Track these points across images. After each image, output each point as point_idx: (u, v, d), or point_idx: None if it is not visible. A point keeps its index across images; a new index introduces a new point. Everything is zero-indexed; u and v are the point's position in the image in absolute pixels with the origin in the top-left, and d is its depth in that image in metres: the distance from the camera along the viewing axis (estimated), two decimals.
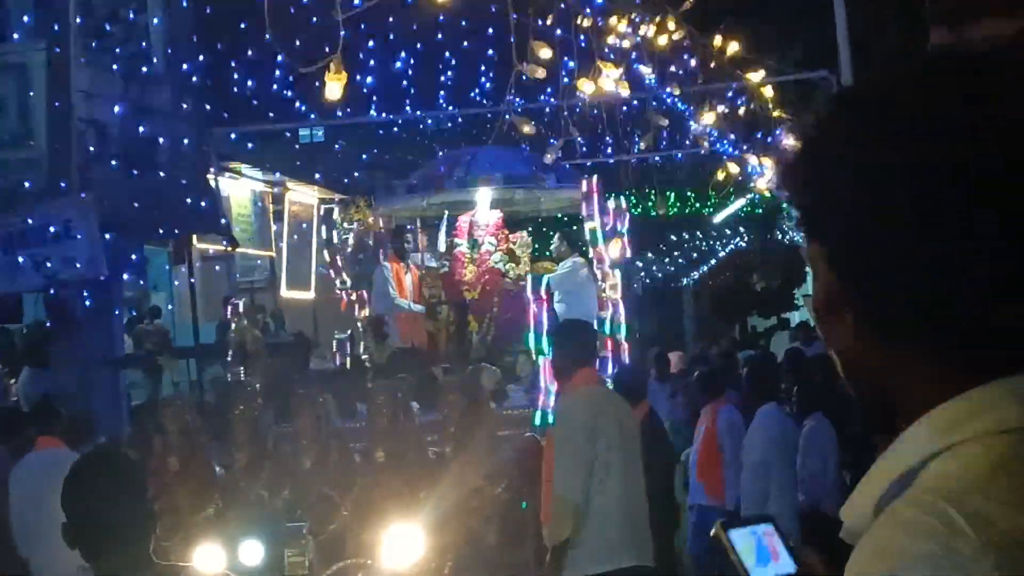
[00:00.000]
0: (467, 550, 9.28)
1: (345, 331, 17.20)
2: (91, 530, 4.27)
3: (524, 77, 8.42)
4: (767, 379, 11.78)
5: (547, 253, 17.42)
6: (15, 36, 17.04)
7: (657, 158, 20.84)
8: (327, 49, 7.96)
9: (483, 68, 20.22)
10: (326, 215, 16.63)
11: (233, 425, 10.60)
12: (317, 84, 8.23)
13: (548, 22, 10.18)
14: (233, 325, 15.63)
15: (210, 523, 9.70)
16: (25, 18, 17.00)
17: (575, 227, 16.49)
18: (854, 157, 1.75)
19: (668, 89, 11.83)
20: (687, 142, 19.52)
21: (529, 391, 14.00)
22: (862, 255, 1.75)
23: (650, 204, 27.71)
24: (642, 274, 35.70)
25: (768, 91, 16.23)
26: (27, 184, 15.89)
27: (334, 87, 7.45)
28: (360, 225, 17.69)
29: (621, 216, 15.19)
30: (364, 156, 23.51)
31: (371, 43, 18.97)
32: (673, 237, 33.89)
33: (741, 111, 16.67)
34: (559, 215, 19.04)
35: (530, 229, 18.40)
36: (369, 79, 20.08)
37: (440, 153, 19.64)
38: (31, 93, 16.01)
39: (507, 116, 9.95)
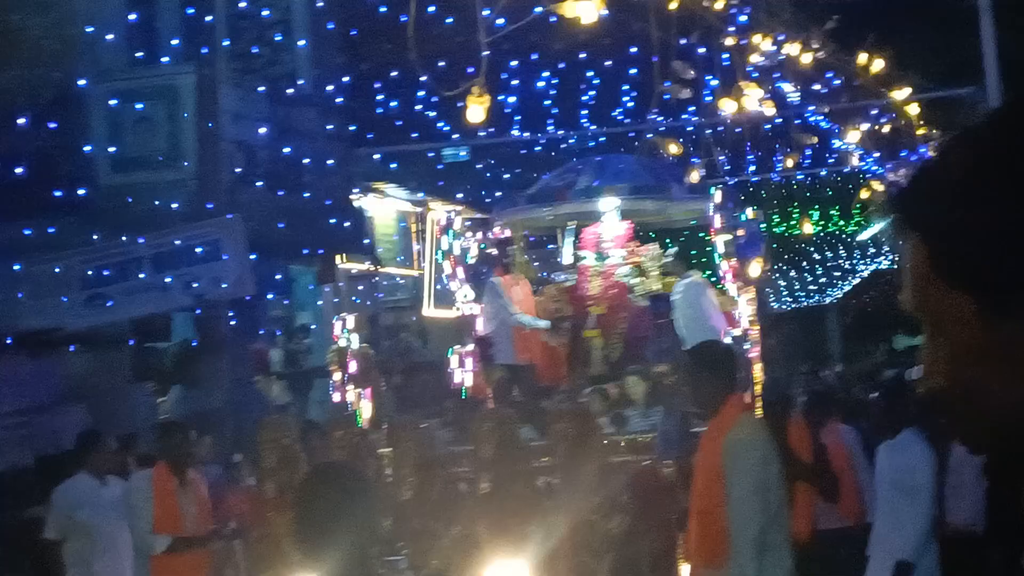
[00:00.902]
0: None
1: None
2: (318, 539, 4.36)
3: (666, 97, 8.43)
4: (902, 403, 11.36)
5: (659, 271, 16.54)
6: (165, 59, 17.42)
7: (800, 175, 20.68)
8: (470, 70, 8.04)
9: (625, 87, 20.22)
10: (447, 225, 16.28)
11: (261, 451, 10.22)
12: (460, 104, 8.31)
13: (691, 40, 10.13)
14: (336, 344, 15.40)
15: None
16: (174, 41, 17.36)
17: (705, 236, 15.88)
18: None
19: (812, 108, 11.72)
20: (830, 160, 19.32)
21: (647, 415, 13.68)
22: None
23: (792, 222, 27.52)
24: (784, 292, 35.36)
25: (913, 108, 16.01)
26: (176, 205, 16.19)
27: (477, 110, 7.51)
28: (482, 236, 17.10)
29: (757, 231, 14.76)
30: (507, 175, 23.60)
31: (514, 62, 19.03)
32: (816, 255, 33.56)
33: (886, 128, 16.47)
34: (689, 225, 17.88)
35: (667, 241, 17.74)
36: (512, 98, 20.23)
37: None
38: (181, 115, 16.31)
39: (648, 135, 9.96)
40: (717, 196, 14.23)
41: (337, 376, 14.80)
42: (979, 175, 1.75)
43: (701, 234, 15.42)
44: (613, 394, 13.82)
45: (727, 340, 13.86)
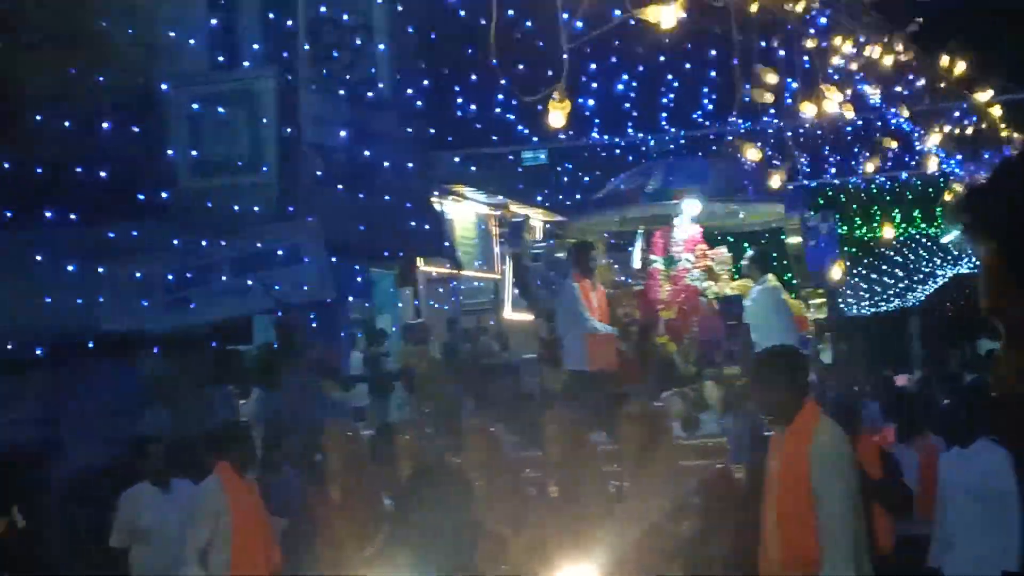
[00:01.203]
0: None
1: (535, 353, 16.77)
2: (420, 537, 4.25)
3: (746, 99, 8.39)
4: (977, 409, 10.91)
5: (734, 275, 16.29)
6: (245, 64, 17.55)
7: (881, 179, 20.51)
8: (551, 74, 8.03)
9: (706, 89, 20.14)
10: (513, 230, 15.90)
11: (397, 456, 10.05)
12: (540, 108, 8.30)
13: (772, 44, 10.08)
14: (400, 349, 15.15)
15: (375, 559, 9.21)
16: (255, 46, 17.48)
17: (782, 237, 15.59)
18: None
19: (894, 110, 11.61)
20: (912, 163, 19.10)
21: (721, 420, 13.45)
22: None
23: (874, 225, 27.27)
24: (864, 296, 35.06)
25: (996, 110, 15.82)
26: (256, 209, 16.30)
27: (557, 115, 7.49)
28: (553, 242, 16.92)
29: (832, 234, 14.52)
30: (587, 178, 23.58)
31: (593, 66, 19.01)
32: (898, 259, 33.28)
33: (969, 130, 16.28)
34: (765, 228, 17.72)
35: (731, 242, 17.48)
36: (591, 101, 20.21)
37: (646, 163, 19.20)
38: (261, 119, 16.42)
39: (729, 137, 9.89)
40: (787, 199, 14.10)
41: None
42: None
43: (782, 236, 15.14)
44: (690, 397, 13.69)
45: (802, 346, 13.73)
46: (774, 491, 7.64)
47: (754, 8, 9.21)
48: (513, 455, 10.77)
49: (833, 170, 19.46)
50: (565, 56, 7.23)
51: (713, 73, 17.84)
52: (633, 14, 7.93)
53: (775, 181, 9.11)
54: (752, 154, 8.70)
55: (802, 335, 14.17)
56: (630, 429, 9.05)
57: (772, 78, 8.23)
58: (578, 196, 19.76)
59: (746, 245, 17.17)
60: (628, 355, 15.30)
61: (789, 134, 10.89)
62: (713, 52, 16.44)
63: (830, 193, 22.33)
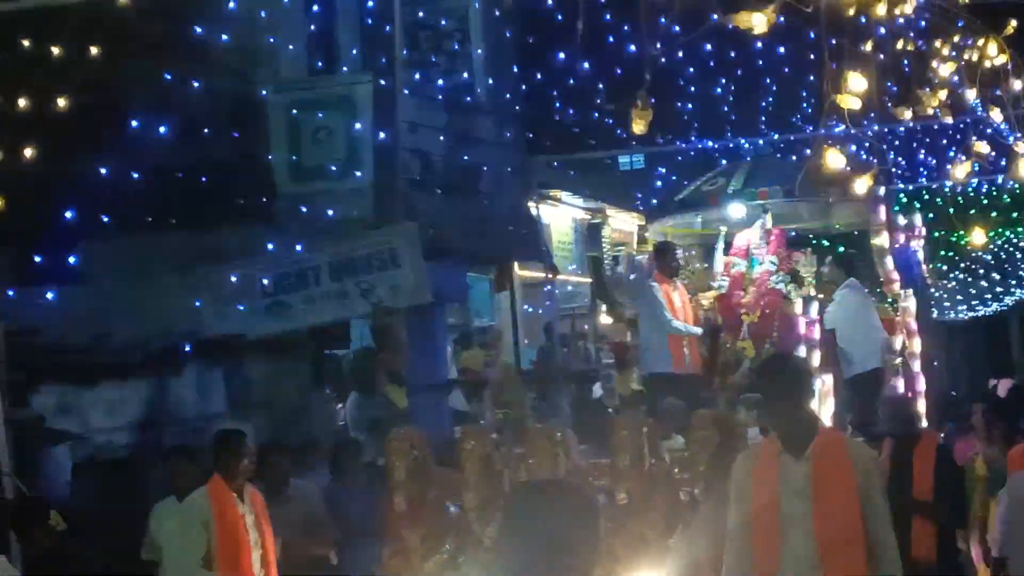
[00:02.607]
0: None
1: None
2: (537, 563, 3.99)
3: (824, 106, 8.47)
4: None
5: (818, 278, 15.92)
6: (343, 68, 17.83)
7: (976, 182, 20.36)
8: (647, 77, 8.17)
9: (803, 92, 20.13)
10: (591, 231, 15.72)
11: (463, 461, 9.65)
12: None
13: (868, 48, 10.14)
14: (459, 352, 15.01)
15: (442, 568, 9.18)
16: (353, 51, 17.78)
17: (867, 242, 15.22)
18: None
19: (989, 115, 11.61)
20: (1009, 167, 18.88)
21: None
22: None
23: (967, 230, 27.02)
24: (960, 300, 34.74)
25: None
26: (355, 213, 16.47)
27: (640, 124, 7.65)
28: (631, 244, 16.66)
29: (919, 234, 14.22)
30: (685, 183, 23.69)
31: (689, 68, 19.10)
32: (995, 261, 32.92)
33: None
34: (848, 233, 17.38)
35: (816, 244, 17.01)
36: (689, 105, 20.32)
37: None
38: (358, 124, 16.61)
39: (814, 148, 9.91)
40: (876, 200, 13.99)
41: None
42: None
43: (867, 237, 14.91)
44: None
45: (887, 351, 13.65)
46: (825, 507, 7.15)
47: (848, 11, 9.30)
48: (582, 462, 10.55)
49: (925, 174, 19.38)
50: (650, 64, 7.39)
51: (811, 76, 17.88)
52: (725, 20, 8.08)
53: (861, 185, 9.14)
54: (834, 160, 8.69)
55: (889, 338, 14.04)
56: (701, 432, 9.11)
57: (860, 84, 8.30)
58: (653, 200, 19.72)
59: (837, 247, 16.93)
60: (710, 359, 15.24)
61: (878, 136, 10.90)
62: (804, 56, 16.50)
63: (926, 197, 22.20)
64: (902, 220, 14.55)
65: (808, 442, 7.21)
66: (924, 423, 13.41)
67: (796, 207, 16.13)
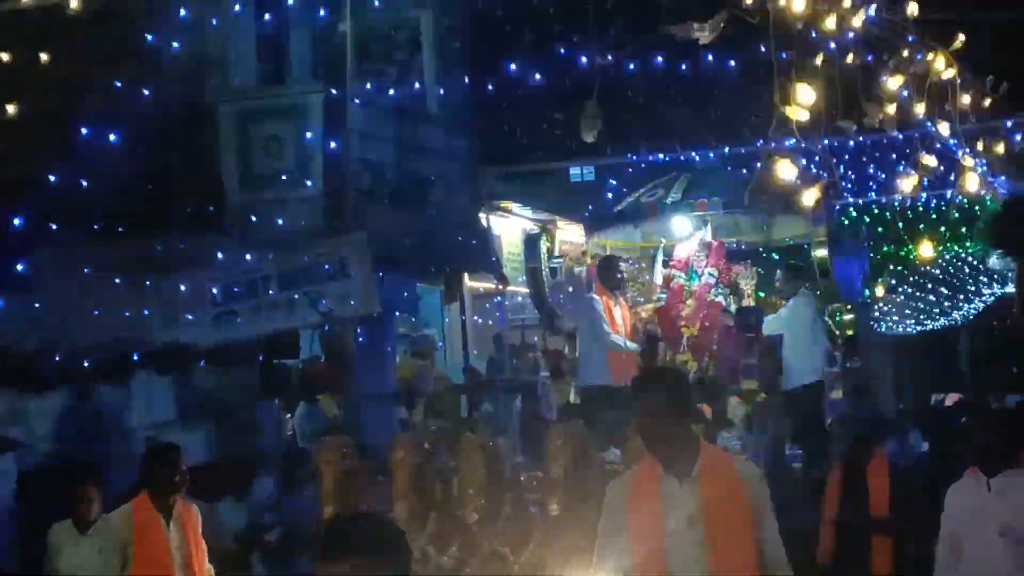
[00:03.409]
0: None
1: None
2: None
3: (781, 116, 8.58)
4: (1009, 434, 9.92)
5: (771, 288, 15.68)
6: (294, 78, 17.82)
7: (925, 196, 20.50)
8: (596, 86, 8.26)
9: (753, 105, 20.16)
10: (529, 242, 15.47)
11: (394, 471, 9.57)
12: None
13: (818, 62, 10.26)
14: (397, 360, 14.87)
15: None
16: (304, 59, 17.77)
17: (808, 253, 15.03)
18: None
19: (935, 127, 11.75)
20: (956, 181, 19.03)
21: (743, 437, 13.08)
22: None
23: (914, 245, 27.21)
24: (909, 312, 34.98)
25: None
26: (304, 223, 16.50)
27: (589, 132, 7.74)
28: (570, 256, 16.41)
29: (861, 246, 14.11)
30: (624, 190, 23.75)
31: (640, 81, 19.17)
32: (944, 276, 33.14)
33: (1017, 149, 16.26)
34: (790, 245, 17.01)
35: (756, 256, 16.87)
36: (639, 117, 20.41)
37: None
38: (308, 134, 16.61)
39: (764, 160, 9.96)
40: (809, 206, 13.55)
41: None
42: None
43: (806, 249, 14.78)
44: (706, 415, 13.29)
45: (828, 366, 13.60)
46: (713, 526, 6.73)
47: (797, 25, 9.41)
48: (516, 473, 10.42)
49: (875, 188, 19.49)
50: (597, 71, 7.48)
51: (754, 90, 17.97)
52: (673, 30, 8.19)
53: (809, 197, 9.20)
54: (785, 171, 8.75)
55: (832, 353, 13.95)
56: (635, 444, 8.51)
57: (808, 95, 8.41)
58: (593, 210, 19.68)
59: (780, 259, 16.68)
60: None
61: (826, 149, 10.96)
62: (754, 69, 16.59)
63: (875, 211, 22.31)
64: (843, 231, 14.42)
65: (692, 462, 6.79)
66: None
67: (736, 219, 16.02)
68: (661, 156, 20.81)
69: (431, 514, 9.59)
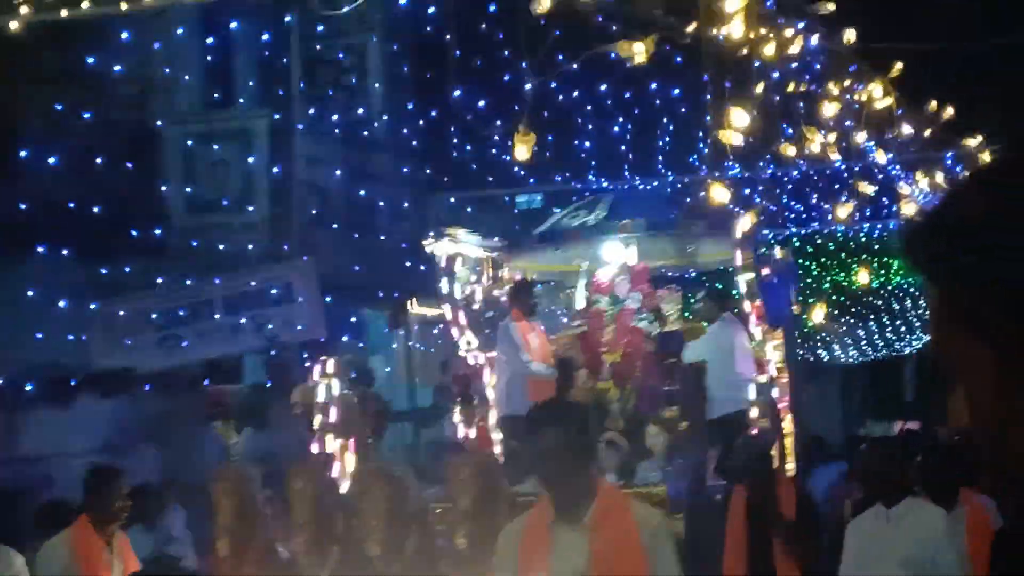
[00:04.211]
0: None
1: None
2: None
3: (715, 141, 8.67)
4: (907, 462, 9.12)
5: (687, 314, 15.24)
6: (240, 101, 17.90)
7: (866, 226, 20.55)
8: (545, 114, 8.34)
9: (700, 134, 20.33)
10: (447, 265, 15.15)
11: (292, 503, 9.19)
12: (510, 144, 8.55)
13: (758, 89, 10.34)
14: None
15: None
16: (251, 83, 17.86)
17: (734, 278, 14.67)
18: None
19: (873, 156, 11.80)
20: (895, 210, 19.12)
21: (664, 467, 12.62)
22: None
23: (850, 273, 27.40)
24: (850, 340, 35.18)
25: (987, 157, 15.99)
26: (250, 247, 16.59)
27: (522, 149, 7.78)
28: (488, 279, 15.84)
29: (791, 269, 13.72)
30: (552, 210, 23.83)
31: (580, 106, 19.25)
32: (885, 306, 33.34)
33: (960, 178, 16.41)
34: (715, 269, 16.32)
35: (681, 281, 16.25)
36: (587, 143, 20.51)
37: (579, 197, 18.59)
38: (254, 158, 16.72)
39: (703, 187, 9.95)
40: (741, 232, 13.13)
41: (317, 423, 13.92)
42: (988, 220, 1.75)
43: (730, 273, 14.30)
44: (624, 445, 12.89)
45: (753, 389, 13.28)
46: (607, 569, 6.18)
47: (736, 51, 9.52)
48: (423, 504, 10.10)
49: (817, 218, 19.56)
50: (529, 88, 7.56)
51: (690, 115, 18.09)
52: (606, 48, 8.27)
53: (744, 224, 9.11)
54: (719, 194, 8.76)
55: (757, 379, 13.51)
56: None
57: (743, 119, 8.47)
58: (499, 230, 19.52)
59: (704, 283, 16.26)
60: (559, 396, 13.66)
61: (765, 175, 10.95)
62: (690, 94, 16.61)
63: (818, 241, 22.38)
64: (770, 254, 14.00)
65: (586, 507, 6.15)
66: (790, 464, 13.33)
67: (660, 241, 15.39)
68: (605, 184, 20.94)
69: (332, 547, 9.24)
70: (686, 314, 14.94)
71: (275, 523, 9.31)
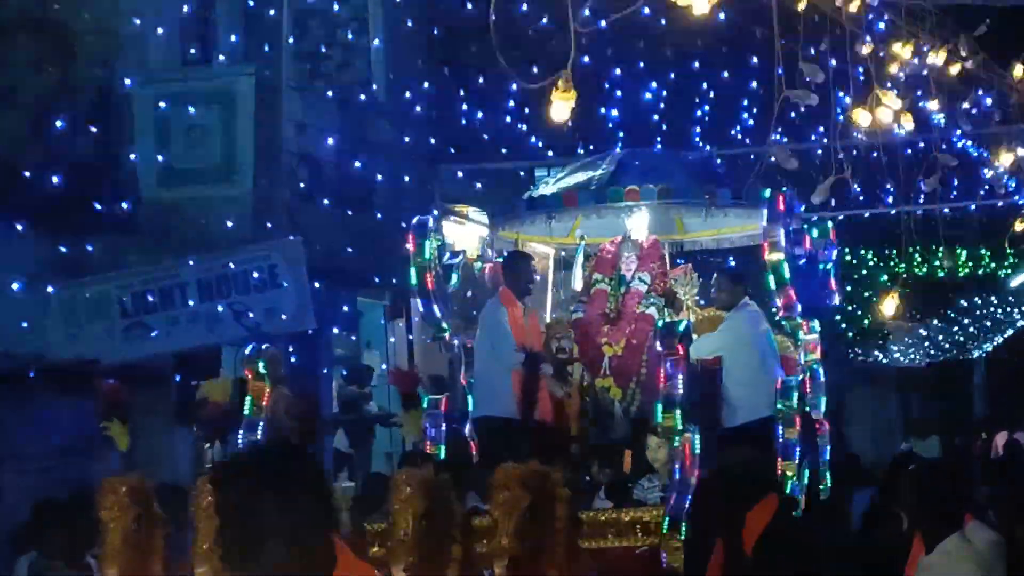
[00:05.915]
0: None
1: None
2: None
3: (789, 107, 8.26)
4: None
5: (702, 301, 14.04)
6: (220, 58, 17.57)
7: (946, 209, 20.07)
8: (571, 53, 7.78)
9: (745, 102, 19.97)
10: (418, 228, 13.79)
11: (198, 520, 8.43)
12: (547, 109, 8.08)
13: (821, 49, 9.95)
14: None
15: None
16: (233, 37, 17.51)
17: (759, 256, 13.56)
18: None
19: (958, 130, 11.32)
20: (981, 192, 18.67)
21: (667, 484, 11.28)
22: None
23: (936, 262, 27.08)
24: (926, 344, 34.82)
25: None
26: (229, 224, 16.33)
27: (561, 106, 7.15)
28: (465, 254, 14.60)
29: (829, 248, 12.84)
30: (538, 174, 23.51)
31: (618, 71, 18.93)
32: (964, 302, 32.95)
33: None
34: (741, 243, 14.93)
35: (701, 259, 15.37)
36: (615, 112, 20.12)
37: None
38: (237, 123, 16.43)
39: (768, 158, 9.47)
40: (775, 203, 12.11)
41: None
42: None
43: (767, 255, 13.02)
44: (624, 460, 12.30)
45: (782, 396, 12.40)
46: None
47: (802, 5, 9.13)
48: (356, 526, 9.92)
49: (891, 199, 19.12)
50: (572, 43, 7.00)
51: (754, 83, 17.79)
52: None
53: (817, 197, 8.68)
54: (792, 164, 8.31)
55: (788, 380, 12.54)
56: (503, 496, 7.73)
57: (819, 76, 8.06)
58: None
59: (725, 259, 15.17)
60: (564, 403, 13.00)
61: (839, 148, 10.29)
62: (755, 59, 16.34)
63: (888, 222, 21.97)
64: (805, 229, 12.82)
65: None
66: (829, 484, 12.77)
67: (675, 211, 14.16)
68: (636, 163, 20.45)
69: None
70: (702, 301, 13.87)
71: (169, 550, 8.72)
